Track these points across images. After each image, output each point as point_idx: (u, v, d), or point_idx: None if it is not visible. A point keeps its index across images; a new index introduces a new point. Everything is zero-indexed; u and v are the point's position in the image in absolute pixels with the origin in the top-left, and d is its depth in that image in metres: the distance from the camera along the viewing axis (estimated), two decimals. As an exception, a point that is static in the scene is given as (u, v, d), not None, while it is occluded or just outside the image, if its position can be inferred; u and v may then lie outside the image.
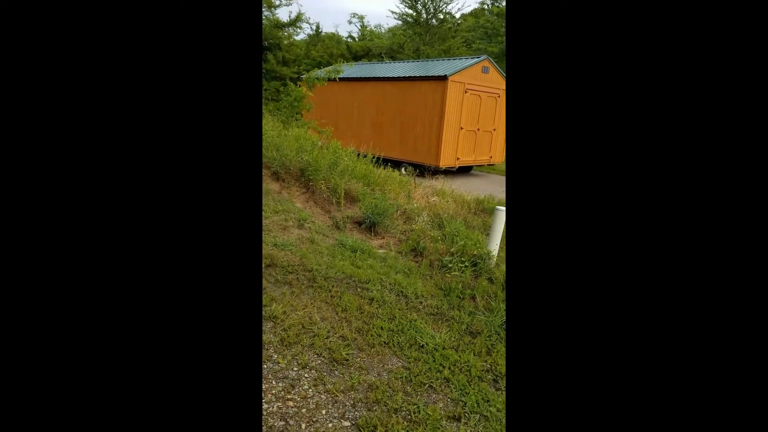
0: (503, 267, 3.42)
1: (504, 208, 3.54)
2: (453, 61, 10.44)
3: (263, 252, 3.32)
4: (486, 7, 25.48)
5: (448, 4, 18.91)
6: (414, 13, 19.02)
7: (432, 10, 18.68)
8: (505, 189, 7.90)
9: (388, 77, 10.25)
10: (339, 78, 10.22)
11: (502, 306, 2.87)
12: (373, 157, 6.21)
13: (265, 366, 2.04)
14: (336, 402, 1.86)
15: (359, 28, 24.67)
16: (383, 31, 24.82)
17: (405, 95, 9.94)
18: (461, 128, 9.64)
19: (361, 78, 10.77)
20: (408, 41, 18.87)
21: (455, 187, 7.04)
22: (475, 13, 25.72)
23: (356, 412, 1.81)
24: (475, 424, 1.81)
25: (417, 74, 9.77)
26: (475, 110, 9.90)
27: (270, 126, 6.53)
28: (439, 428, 1.75)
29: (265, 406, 1.77)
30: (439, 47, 18.55)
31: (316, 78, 7.80)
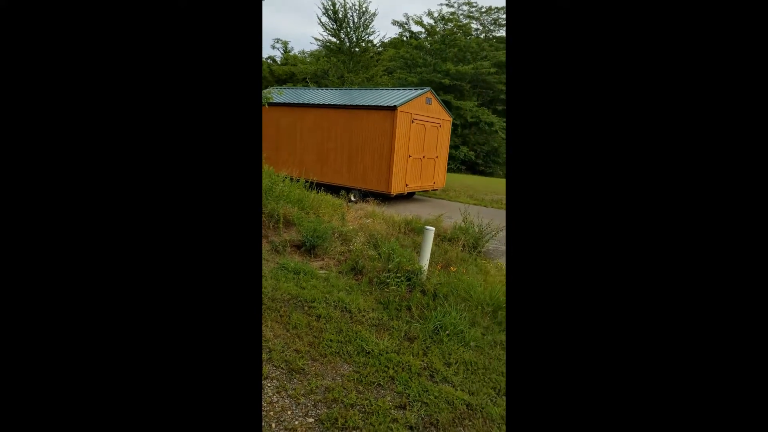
0: (433, 280, 3.88)
1: (432, 228, 4.03)
2: (397, 91, 10.84)
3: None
4: (404, 39, 27.15)
5: (370, 34, 19.94)
6: (337, 41, 19.77)
7: (354, 39, 19.56)
8: (434, 212, 8.58)
9: (334, 104, 10.40)
10: (281, 103, 10.15)
11: (434, 314, 3.30)
12: (310, 182, 6.47)
13: (227, 381, 2.23)
14: (299, 404, 2.11)
15: (282, 53, 24.92)
16: (305, 56, 25.33)
17: (353, 123, 10.14)
18: (409, 156, 10.10)
19: (304, 104, 10.81)
20: (332, 68, 19.50)
21: (397, 211, 7.52)
22: (394, 43, 27.26)
23: (317, 411, 2.08)
24: (417, 410, 2.17)
25: (365, 103, 10.03)
26: (421, 139, 10.45)
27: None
28: (388, 416, 2.09)
29: None
30: (363, 75, 19.42)
31: None
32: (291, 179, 6.31)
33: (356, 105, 10.11)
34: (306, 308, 3.22)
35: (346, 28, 19.34)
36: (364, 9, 18.98)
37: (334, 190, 10.36)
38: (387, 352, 2.71)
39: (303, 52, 25.21)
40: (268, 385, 2.23)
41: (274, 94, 9.43)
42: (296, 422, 1.98)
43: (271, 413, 2.01)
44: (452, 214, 8.24)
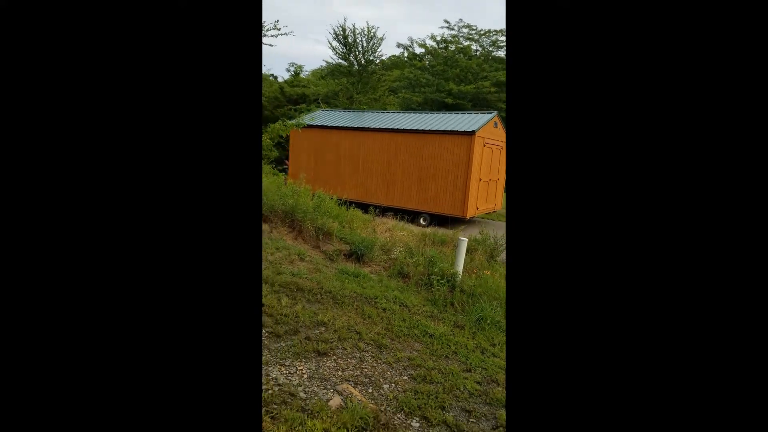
0: (468, 282, 4.64)
1: (465, 239, 4.80)
2: (469, 115, 10.88)
3: (289, 279, 4.19)
4: (407, 60, 28.34)
5: (378, 57, 21.03)
6: (347, 64, 20.81)
7: (363, 62, 20.62)
8: (469, 229, 9.25)
9: (402, 129, 10.30)
10: (341, 126, 10.05)
11: (474, 308, 4.05)
12: (345, 201, 7.24)
13: (331, 353, 2.96)
14: (393, 368, 2.85)
15: (292, 74, 26.04)
16: (306, 74, 26.48)
17: (424, 147, 10.07)
18: (480, 179, 10.24)
19: (368, 128, 10.81)
20: (342, 89, 20.49)
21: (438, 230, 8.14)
22: (397, 64, 28.40)
23: (408, 372, 2.82)
24: (479, 373, 2.91)
25: (438, 128, 10.02)
26: (488, 162, 10.57)
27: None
28: (459, 375, 2.82)
29: (357, 372, 2.72)
30: (371, 95, 20.42)
31: (289, 124, 8.55)
32: (332, 198, 7.09)
33: (429, 130, 10.10)
34: (372, 303, 3.97)
35: (354, 51, 20.43)
36: (372, 33, 20.10)
37: (399, 213, 10.14)
38: (445, 336, 3.45)
39: (300, 68, 26.38)
40: (366, 356, 2.97)
41: (335, 116, 9.35)
42: (396, 378, 2.71)
43: (377, 373, 2.75)
44: (472, 230, 8.97)
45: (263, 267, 4.47)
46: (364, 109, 16.97)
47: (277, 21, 11.44)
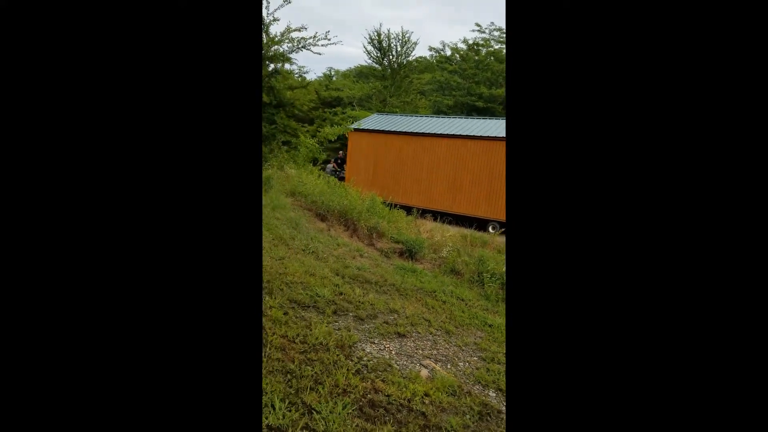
0: (515, 281, 5.04)
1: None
2: None
3: (356, 273, 4.68)
4: (437, 63, 28.72)
5: (411, 63, 21.50)
6: (380, 68, 21.36)
7: (396, 66, 21.13)
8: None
9: (471, 135, 10.12)
10: (402, 132, 9.96)
11: (524, 304, 4.45)
12: (390, 204, 7.72)
13: (409, 335, 3.42)
14: (462, 350, 3.29)
15: (320, 76, 26.88)
16: (334, 77, 27.27)
17: (494, 154, 9.90)
18: None
19: (433, 134, 10.68)
20: (376, 93, 21.05)
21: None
22: (428, 67, 28.79)
23: (476, 354, 3.25)
24: (538, 357, 3.33)
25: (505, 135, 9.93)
26: None
27: (305, 176, 7.90)
28: (522, 359, 3.25)
29: (434, 352, 3.18)
30: (403, 99, 20.91)
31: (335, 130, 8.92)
32: (384, 202, 7.61)
33: (495, 136, 9.85)
34: (432, 296, 4.42)
35: (389, 55, 20.97)
36: (406, 39, 20.61)
37: (466, 221, 10.04)
38: (502, 326, 3.87)
39: (338, 72, 27.09)
40: (438, 340, 3.42)
41: (392, 121, 9.36)
42: (468, 358, 3.16)
43: (451, 354, 3.20)
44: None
45: (331, 260, 4.99)
46: (396, 111, 17.22)
47: (328, 32, 11.90)
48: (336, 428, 1.92)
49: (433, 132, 10.75)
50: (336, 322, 3.33)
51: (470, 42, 27.64)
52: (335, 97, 22.02)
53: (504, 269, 5.08)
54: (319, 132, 8.82)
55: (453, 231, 8.42)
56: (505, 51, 26.63)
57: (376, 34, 20.69)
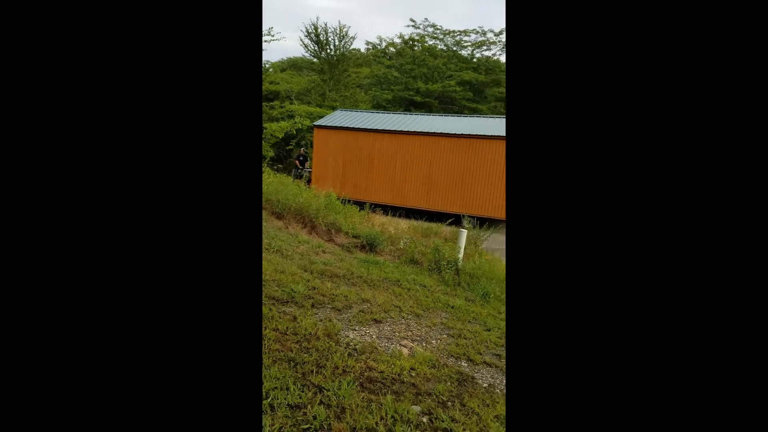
0: (467, 267, 5.55)
1: (465, 230, 5.71)
2: (501, 120, 11.02)
3: (323, 268, 4.92)
4: (375, 58, 29.05)
5: (350, 57, 21.62)
6: (318, 62, 21.27)
7: (335, 60, 21.16)
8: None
9: (447, 133, 10.29)
10: (377, 129, 9.94)
11: (478, 286, 4.96)
12: (343, 200, 7.99)
13: (384, 321, 3.75)
14: (432, 330, 3.69)
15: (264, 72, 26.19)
16: (267, 69, 26.85)
17: (468, 151, 10.15)
18: None
19: (407, 132, 10.75)
20: (314, 87, 20.95)
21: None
22: (366, 61, 29.05)
23: (445, 332, 3.67)
24: (496, 332, 3.81)
25: (483, 132, 10.03)
26: None
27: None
28: (481, 334, 3.71)
29: (409, 333, 3.54)
30: (343, 93, 21.04)
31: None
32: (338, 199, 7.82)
33: (475, 134, 10.18)
34: (397, 284, 4.79)
35: (327, 48, 20.92)
36: (344, 33, 20.69)
37: (439, 217, 10.19)
38: (462, 307, 4.34)
39: (275, 66, 26.52)
40: (410, 322, 3.79)
41: (361, 118, 9.12)
42: (438, 336, 3.56)
43: (423, 334, 3.59)
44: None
45: (297, 258, 5.17)
46: (336, 106, 17.39)
47: (272, 28, 11.64)
48: (347, 401, 2.21)
49: (407, 130, 10.90)
50: (317, 314, 3.58)
51: (406, 37, 28.29)
52: (272, 90, 21.59)
53: (457, 256, 5.58)
54: (265, 129, 8.79)
55: (403, 223, 8.87)
56: (439, 47, 27.63)
57: (313, 27, 20.54)
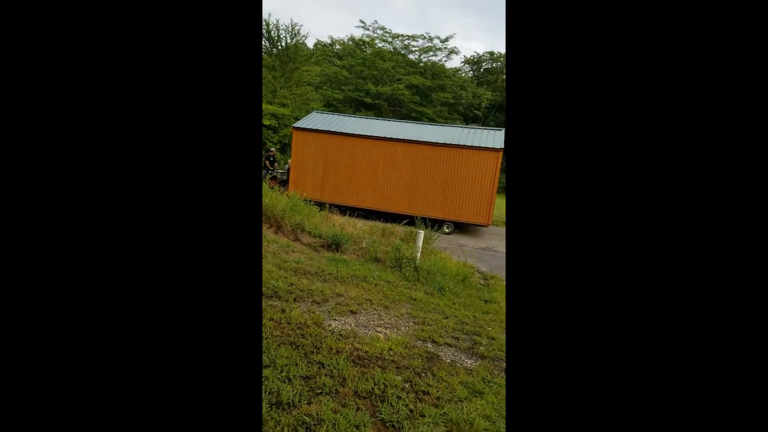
0: (424, 264, 6.23)
1: (422, 231, 6.37)
2: (487, 131, 11.56)
3: (295, 266, 5.34)
4: (326, 58, 29.20)
5: (302, 56, 21.67)
6: (270, 59, 21.14)
7: (287, 58, 21.14)
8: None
9: (430, 142, 10.77)
10: (360, 135, 10.08)
11: (434, 281, 5.64)
12: (308, 201, 8.32)
13: (359, 312, 4.29)
14: (400, 319, 4.29)
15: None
16: None
17: (451, 160, 10.67)
18: (496, 191, 11.21)
19: (392, 138, 11.10)
20: (266, 84, 20.79)
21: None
22: (317, 61, 29.13)
23: (411, 320, 4.28)
24: (453, 320, 4.50)
25: (465, 143, 10.71)
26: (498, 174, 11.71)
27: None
28: (441, 322, 4.37)
29: (381, 322, 4.11)
30: (294, 91, 21.09)
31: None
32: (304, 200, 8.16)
33: (458, 144, 10.80)
34: (364, 280, 5.34)
35: (278, 45, 20.85)
36: (296, 31, 20.74)
37: (394, 218, 10.49)
38: (422, 299, 4.98)
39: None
40: (381, 312, 4.36)
41: (339, 122, 9.16)
42: (406, 324, 4.17)
43: (393, 322, 4.17)
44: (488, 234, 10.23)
45: (269, 257, 5.54)
46: (286, 103, 17.37)
47: None
48: (345, 373, 2.74)
49: (392, 137, 11.22)
50: (300, 306, 4.04)
51: (356, 38, 28.72)
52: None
53: (415, 254, 6.24)
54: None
55: (359, 224, 9.41)
56: (388, 49, 28.37)
57: (264, 23, 20.37)
